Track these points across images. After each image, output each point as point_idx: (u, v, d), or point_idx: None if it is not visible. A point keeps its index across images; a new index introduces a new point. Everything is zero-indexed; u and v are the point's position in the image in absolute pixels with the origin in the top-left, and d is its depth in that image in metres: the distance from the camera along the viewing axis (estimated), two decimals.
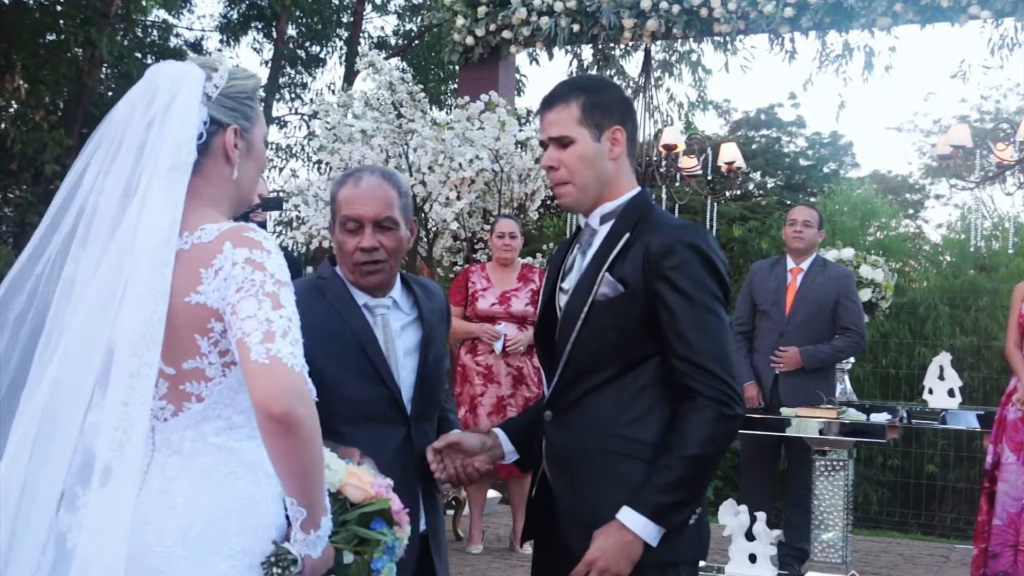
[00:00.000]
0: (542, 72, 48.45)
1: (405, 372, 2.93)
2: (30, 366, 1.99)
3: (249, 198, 2.23)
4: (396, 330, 2.95)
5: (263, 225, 3.59)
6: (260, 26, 21.52)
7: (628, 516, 2.46)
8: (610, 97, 2.68)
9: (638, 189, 2.71)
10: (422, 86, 8.85)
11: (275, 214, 9.30)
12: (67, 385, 1.92)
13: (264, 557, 1.98)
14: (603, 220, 2.68)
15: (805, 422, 5.89)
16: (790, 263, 6.71)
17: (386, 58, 11.29)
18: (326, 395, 2.28)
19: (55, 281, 2.00)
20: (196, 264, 1.97)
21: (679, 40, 9.93)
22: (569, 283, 2.69)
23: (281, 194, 6.07)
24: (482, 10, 9.07)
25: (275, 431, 1.86)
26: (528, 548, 6.77)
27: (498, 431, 2.90)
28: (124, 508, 1.88)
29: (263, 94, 21.56)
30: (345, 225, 2.87)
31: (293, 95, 22.28)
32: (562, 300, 2.70)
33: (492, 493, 7.69)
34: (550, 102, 2.68)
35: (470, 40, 9.15)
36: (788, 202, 15.81)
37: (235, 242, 1.97)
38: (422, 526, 2.92)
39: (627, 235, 2.59)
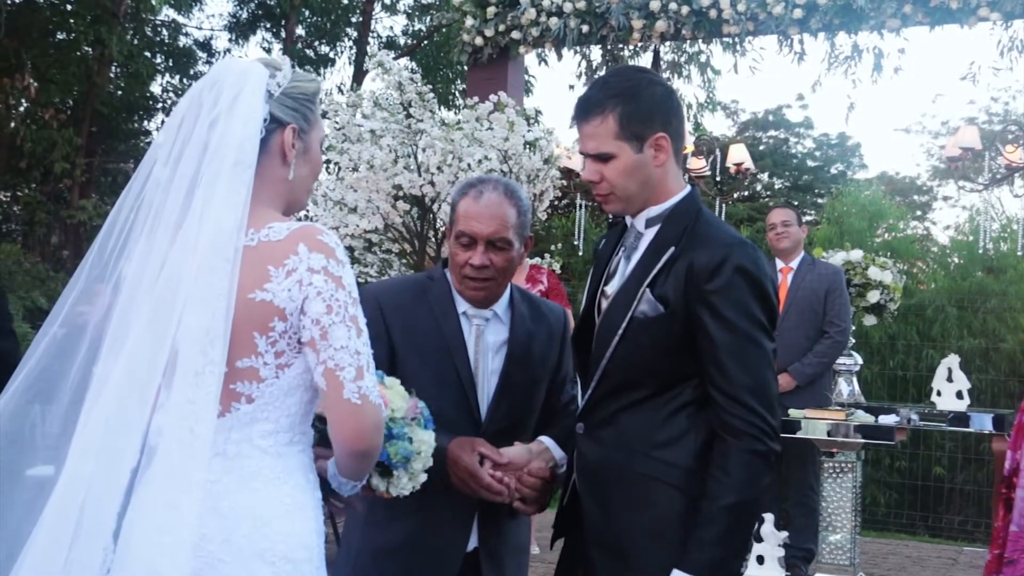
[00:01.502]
0: (551, 72, 48.44)
1: (490, 387, 2.92)
2: (92, 366, 1.98)
3: (302, 202, 2.21)
4: (490, 343, 2.94)
5: None
6: (269, 25, 21.55)
7: None
8: (649, 102, 2.49)
9: (687, 190, 2.56)
10: (431, 86, 8.85)
11: None
12: (133, 384, 1.91)
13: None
14: (648, 224, 2.54)
15: (813, 423, 5.90)
16: (779, 264, 6.73)
17: (395, 58, 11.29)
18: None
19: (119, 279, 2.00)
20: (264, 261, 1.97)
21: (688, 41, 9.93)
22: (612, 288, 2.57)
23: None
24: (491, 10, 9.07)
25: (353, 457, 2.05)
26: (535, 549, 6.78)
27: (544, 439, 2.84)
28: (191, 506, 1.87)
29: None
30: (459, 239, 2.86)
31: None
32: (604, 305, 2.58)
33: None
34: (586, 111, 2.51)
35: (479, 40, 9.16)
36: (795, 203, 15.81)
37: (310, 245, 1.97)
38: (472, 543, 2.90)
39: (672, 248, 2.44)
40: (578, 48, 9.47)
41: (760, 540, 5.67)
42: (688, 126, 15.96)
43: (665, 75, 11.35)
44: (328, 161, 8.75)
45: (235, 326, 1.94)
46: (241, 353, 1.97)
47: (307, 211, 8.26)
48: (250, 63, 2.11)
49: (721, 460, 2.36)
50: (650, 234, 2.53)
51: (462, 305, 2.93)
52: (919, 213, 21.91)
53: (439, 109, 8.69)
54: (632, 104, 2.48)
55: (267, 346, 1.97)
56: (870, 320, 7.33)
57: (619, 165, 2.48)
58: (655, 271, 2.44)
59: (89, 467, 1.89)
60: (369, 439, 2.01)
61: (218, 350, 1.90)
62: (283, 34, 20.94)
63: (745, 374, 2.36)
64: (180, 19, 20.73)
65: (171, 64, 20.07)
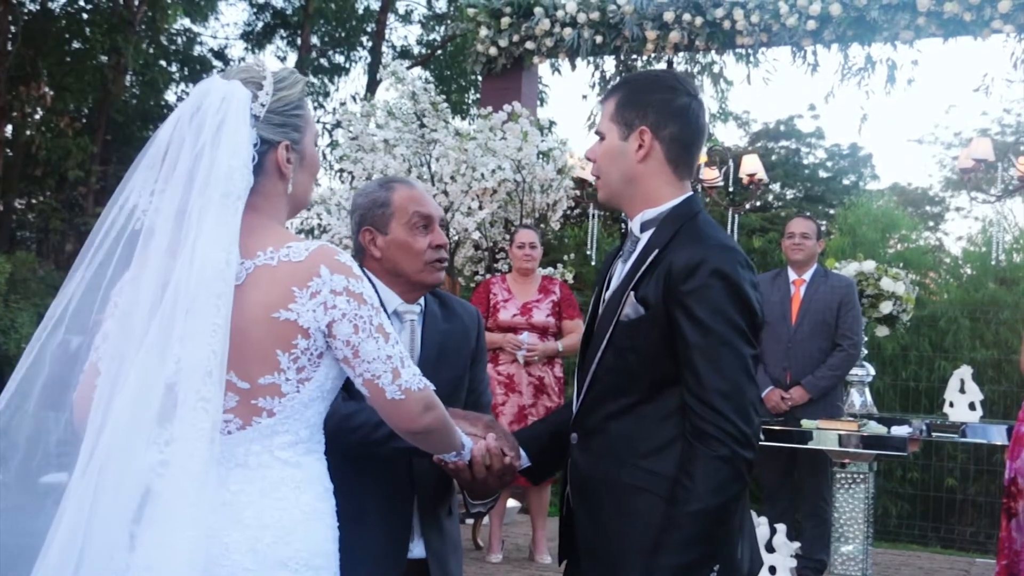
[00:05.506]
0: (565, 83, 48.53)
1: None
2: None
3: (304, 203, 2.25)
4: (420, 339, 2.90)
5: None
6: (284, 34, 21.66)
7: None
8: (650, 97, 2.49)
9: (685, 196, 2.52)
10: (445, 96, 8.89)
11: (295, 221, 9.33)
12: (133, 423, 1.90)
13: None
14: (643, 228, 2.52)
15: (825, 434, 5.90)
16: (792, 275, 6.72)
17: (409, 68, 11.35)
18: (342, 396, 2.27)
19: (105, 315, 2.00)
20: (288, 282, 2.00)
21: (701, 52, 9.97)
22: (608, 294, 2.54)
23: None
24: (505, 21, 9.11)
25: (417, 439, 2.23)
26: (547, 558, 6.79)
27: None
28: (193, 544, 1.87)
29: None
30: (415, 223, 2.83)
31: (316, 104, 22.44)
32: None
33: (512, 503, 7.71)
34: (606, 93, 2.59)
35: (493, 51, 9.19)
36: (807, 214, 15.80)
37: (331, 267, 2.02)
38: (418, 552, 2.82)
39: (657, 250, 2.41)
40: (592, 58, 9.50)
41: (772, 551, 5.67)
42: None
43: None
44: (342, 170, 8.79)
45: (257, 343, 1.98)
46: (264, 370, 1.99)
47: (320, 220, 8.31)
48: (230, 86, 2.05)
49: (687, 465, 2.30)
50: (645, 238, 2.51)
51: (392, 303, 2.85)
52: (931, 224, 21.87)
53: (452, 119, 8.72)
54: (636, 94, 2.52)
55: (289, 363, 2.00)
56: (882, 331, 7.33)
57: (605, 146, 2.53)
58: (640, 273, 2.42)
59: (86, 506, 1.89)
60: (421, 422, 2.13)
61: (209, 387, 1.90)
62: (298, 43, 21.04)
63: (717, 377, 2.30)
64: (195, 28, 20.86)
65: (186, 73, 20.20)
